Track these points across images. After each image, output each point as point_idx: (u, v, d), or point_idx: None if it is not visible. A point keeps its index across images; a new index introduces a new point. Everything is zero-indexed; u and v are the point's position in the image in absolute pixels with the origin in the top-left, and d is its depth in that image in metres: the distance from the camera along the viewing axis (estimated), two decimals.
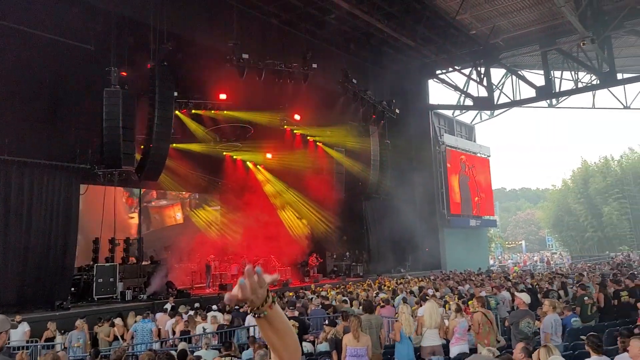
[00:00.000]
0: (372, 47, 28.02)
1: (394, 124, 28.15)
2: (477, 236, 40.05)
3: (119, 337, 12.55)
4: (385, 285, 19.51)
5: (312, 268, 26.03)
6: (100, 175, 18.12)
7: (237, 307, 14.11)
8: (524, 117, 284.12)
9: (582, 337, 7.25)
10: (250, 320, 12.66)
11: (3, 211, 15.61)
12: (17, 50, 16.07)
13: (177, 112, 20.66)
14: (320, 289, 19.06)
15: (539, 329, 9.07)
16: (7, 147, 15.24)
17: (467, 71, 31.65)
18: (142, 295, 18.40)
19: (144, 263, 21.57)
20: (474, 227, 38.32)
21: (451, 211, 34.65)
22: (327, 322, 10.89)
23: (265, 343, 8.93)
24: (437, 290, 16.25)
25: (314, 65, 21.61)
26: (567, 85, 32.35)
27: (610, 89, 31.37)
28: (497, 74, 33.96)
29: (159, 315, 14.23)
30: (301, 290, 19.00)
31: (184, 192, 27.62)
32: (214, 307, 13.87)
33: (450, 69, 32.06)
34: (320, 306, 13.64)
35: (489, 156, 42.23)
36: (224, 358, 8.20)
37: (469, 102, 34.67)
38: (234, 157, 27.69)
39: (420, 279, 21.58)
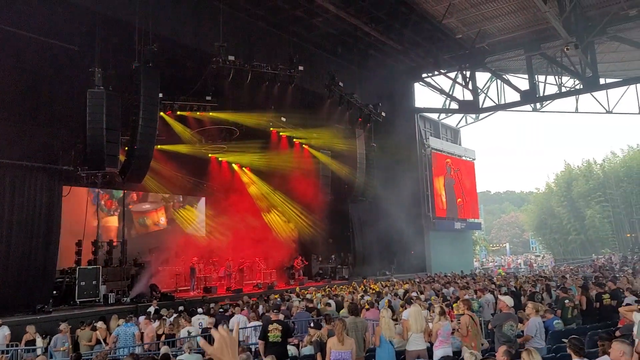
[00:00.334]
0: (359, 50, 28.05)
1: (380, 126, 28.18)
2: (462, 239, 40.23)
3: (102, 340, 12.42)
4: (370, 288, 19.51)
5: (297, 271, 26.00)
6: (84, 177, 17.93)
7: (221, 310, 14.07)
8: (509, 121, 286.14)
9: (564, 339, 7.29)
10: (233, 322, 12.60)
11: None
12: None
13: (162, 113, 20.52)
14: (306, 292, 19.04)
15: (522, 331, 9.11)
16: None
17: (452, 75, 31.86)
18: (125, 298, 18.24)
19: (127, 266, 21.40)
20: (459, 230, 38.50)
21: (436, 214, 34.78)
22: (312, 324, 10.86)
23: (249, 347, 8.85)
24: (421, 293, 16.28)
25: (301, 68, 21.56)
26: (551, 89, 32.77)
27: (593, 93, 31.72)
28: (482, 77, 34.35)
29: (141, 318, 14.11)
30: (286, 293, 18.95)
31: (167, 195, 27.39)
32: (200, 310, 13.78)
33: (436, 73, 32.21)
34: (305, 309, 13.61)
35: (474, 159, 42.48)
36: None
37: (454, 105, 34.86)
38: (220, 159, 27.60)
39: (405, 282, 21.63)
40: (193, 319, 12.75)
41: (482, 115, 38.65)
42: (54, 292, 17.34)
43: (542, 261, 54.00)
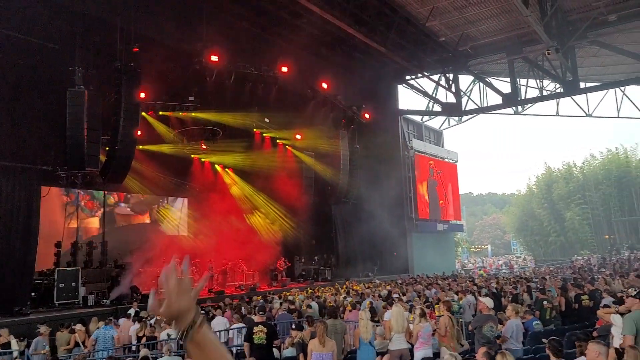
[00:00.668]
0: (343, 52, 28.10)
1: (363, 128, 28.25)
2: (444, 240, 40.45)
3: (80, 343, 12.27)
4: (353, 290, 19.52)
5: (280, 272, 25.94)
6: (63, 177, 17.73)
7: (202, 312, 13.96)
8: (491, 124, 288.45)
9: (543, 340, 7.36)
10: (215, 324, 12.54)
11: None
12: None
13: (143, 113, 20.36)
14: (288, 294, 19.00)
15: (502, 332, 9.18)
16: None
17: (436, 77, 32.02)
18: (105, 300, 18.03)
19: (108, 267, 21.17)
20: (441, 232, 38.69)
21: (419, 215, 34.93)
22: (293, 326, 10.85)
23: (230, 349, 8.79)
24: (403, 294, 16.32)
25: (284, 69, 21.56)
26: (533, 93, 33.06)
27: (573, 97, 32.10)
28: (465, 80, 34.54)
29: (122, 320, 13.97)
30: (269, 295, 18.89)
31: (150, 196, 27.14)
32: None
33: (420, 75, 32.37)
34: (287, 311, 13.58)
35: (456, 161, 42.74)
36: None
37: (437, 108, 35.03)
38: (202, 159, 27.46)
39: (387, 283, 21.67)
40: None
41: (464, 118, 38.90)
42: (32, 294, 17.08)
43: (523, 262, 54.46)
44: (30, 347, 11.67)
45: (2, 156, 16.11)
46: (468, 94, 34.36)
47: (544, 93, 32.53)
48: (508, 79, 30.35)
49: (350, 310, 12.30)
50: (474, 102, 34.04)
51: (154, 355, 9.51)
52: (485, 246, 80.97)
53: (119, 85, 17.21)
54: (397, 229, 31.88)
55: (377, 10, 23.81)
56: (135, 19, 17.53)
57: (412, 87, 34.04)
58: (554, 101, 34.65)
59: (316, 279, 26.86)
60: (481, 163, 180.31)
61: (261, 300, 16.70)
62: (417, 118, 39.04)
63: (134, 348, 11.90)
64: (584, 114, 34.32)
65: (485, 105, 33.92)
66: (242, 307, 14.69)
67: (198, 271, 24.36)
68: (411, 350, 9.20)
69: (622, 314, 7.36)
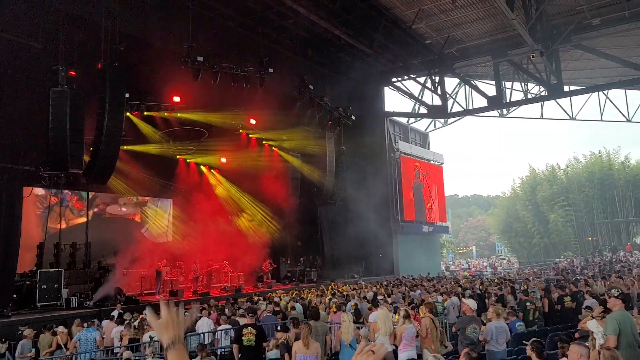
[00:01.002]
0: (330, 53, 28.13)
1: (350, 130, 28.29)
2: (430, 242, 40.59)
3: (62, 345, 12.13)
4: (338, 291, 19.52)
5: (265, 274, 25.87)
6: (46, 178, 17.55)
7: (186, 314, 13.86)
8: (477, 126, 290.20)
9: (525, 342, 7.40)
10: (200, 326, 12.49)
11: None
12: None
13: (128, 113, 20.23)
14: (274, 295, 18.96)
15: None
16: None
17: (422, 80, 32.15)
18: (88, 302, 17.85)
19: (91, 268, 20.95)
20: (426, 233, 38.82)
21: (405, 217, 35.00)
22: (279, 328, 10.82)
23: (214, 351, 8.76)
24: (389, 295, 16.35)
25: (271, 70, 21.52)
26: (517, 95, 33.38)
27: (557, 100, 32.41)
28: (451, 83, 34.65)
29: (105, 322, 13.85)
30: (254, 296, 18.82)
31: (138, 198, 26.96)
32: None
33: (406, 77, 32.48)
34: (272, 312, 13.55)
35: (442, 163, 42.92)
36: None
37: (423, 110, 35.16)
38: (188, 160, 27.33)
39: (373, 285, 21.70)
40: None
41: (450, 120, 39.12)
42: (14, 295, 16.88)
43: (507, 264, 54.84)
44: (16, 351, 11.53)
45: None
46: (454, 97, 34.58)
47: (529, 96, 32.85)
48: (493, 82, 30.53)
49: (334, 312, 12.29)
50: (460, 105, 34.30)
51: (137, 358, 9.43)
52: (470, 248, 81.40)
53: (103, 85, 17.07)
54: (382, 230, 31.98)
55: (364, 12, 23.86)
56: (120, 19, 17.41)
57: (398, 89, 34.15)
58: (538, 104, 35.02)
59: (302, 280, 26.83)
60: (466, 165, 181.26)
61: (247, 303, 16.67)
62: (403, 120, 39.17)
63: (117, 350, 11.79)
64: (568, 117, 34.73)
65: (470, 107, 34.17)
66: (227, 309, 14.63)
67: (183, 272, 24.27)
68: (395, 352, 9.21)
69: (596, 318, 7.43)
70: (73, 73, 16.84)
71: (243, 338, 8.73)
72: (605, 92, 33.54)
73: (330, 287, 21.65)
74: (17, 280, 17.43)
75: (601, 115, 34.53)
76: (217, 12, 22.32)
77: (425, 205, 38.47)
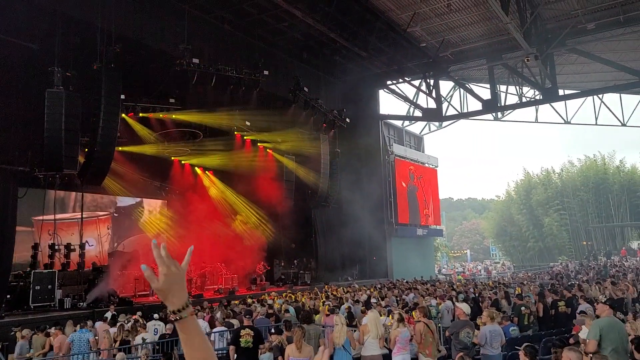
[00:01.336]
0: (325, 56, 28.16)
1: (344, 132, 28.32)
2: (424, 245, 40.63)
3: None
4: (332, 294, 19.52)
5: (259, 276, 25.84)
6: (41, 179, 17.52)
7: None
8: (471, 129, 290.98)
9: (517, 347, 7.42)
10: None
11: None
12: None
13: (123, 115, 20.20)
14: (267, 297, 18.95)
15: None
16: None
17: (416, 83, 32.21)
18: (81, 303, 17.81)
19: (85, 270, 20.90)
20: (421, 236, 38.87)
21: (399, 220, 35.04)
22: (273, 330, 10.82)
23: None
24: (382, 299, 16.35)
25: (266, 72, 21.54)
26: (512, 99, 33.45)
27: (552, 104, 32.52)
28: (445, 86, 34.75)
29: (98, 324, 13.81)
30: (248, 299, 18.80)
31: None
32: (155, 315, 13.55)
33: (401, 80, 32.53)
34: (265, 315, 13.54)
35: (436, 167, 43.01)
36: None
37: (418, 113, 35.23)
38: (182, 161, 27.29)
39: (367, 288, 21.70)
40: (148, 324, 12.52)
41: (445, 123, 39.18)
42: (8, 296, 16.83)
43: (502, 268, 54.93)
44: (15, 352, 11.50)
45: None
46: (448, 100, 34.66)
47: (524, 100, 32.93)
48: (488, 85, 30.62)
49: (327, 315, 12.29)
50: (454, 108, 34.39)
51: (129, 359, 9.40)
52: (465, 251, 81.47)
53: (99, 87, 17.05)
54: (377, 233, 32.00)
55: (359, 15, 23.90)
56: (116, 20, 17.39)
57: (393, 92, 34.20)
58: (533, 108, 35.14)
59: (295, 283, 26.82)
60: (461, 168, 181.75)
61: (240, 305, 16.65)
62: (398, 123, 39.22)
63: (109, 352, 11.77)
64: (563, 121, 34.84)
65: (465, 111, 34.24)
66: (219, 312, 14.62)
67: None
68: (387, 356, 9.22)
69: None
70: (69, 74, 16.81)
71: (241, 339, 8.73)
72: (600, 96, 33.64)
73: (323, 290, 21.65)
74: (10, 280, 17.37)
75: (596, 119, 34.65)
76: (212, 15, 22.34)
77: (419, 208, 38.52)
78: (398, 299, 16.59)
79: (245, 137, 27.00)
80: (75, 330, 12.23)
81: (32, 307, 16.87)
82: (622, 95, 33.81)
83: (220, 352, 11.57)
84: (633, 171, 57.04)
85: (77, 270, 20.48)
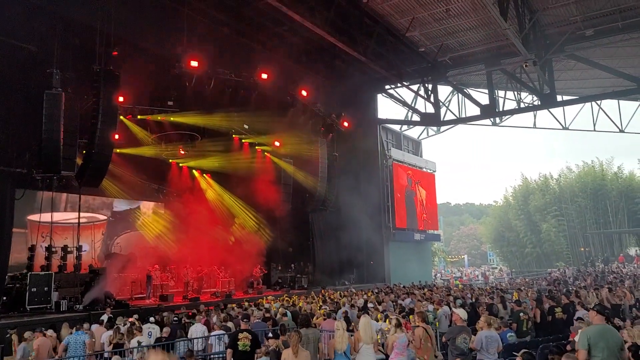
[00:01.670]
0: (323, 60, 28.18)
1: (342, 136, 28.35)
2: (421, 250, 40.60)
3: (51, 349, 12.04)
4: (329, 298, 19.49)
5: (256, 279, 25.80)
6: (39, 180, 17.48)
7: (175, 319, 13.83)
8: (469, 134, 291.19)
9: (515, 353, 7.40)
10: (194, 331, 12.42)
11: None
12: None
13: (122, 117, 20.20)
14: (264, 301, 18.91)
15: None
16: None
17: (415, 87, 32.22)
18: (78, 306, 17.74)
19: (82, 272, 20.84)
20: (418, 241, 38.86)
21: (396, 225, 35.03)
22: (270, 335, 10.78)
23: (204, 356, 8.75)
24: (379, 303, 16.32)
25: (264, 76, 21.56)
26: (510, 104, 33.50)
27: (550, 109, 32.58)
28: (444, 91, 34.76)
29: (94, 327, 13.76)
30: (244, 302, 18.76)
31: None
32: (151, 319, 13.50)
33: (399, 85, 32.55)
34: (262, 319, 13.50)
35: (434, 171, 43.03)
36: None
37: (416, 117, 35.24)
38: (180, 164, 27.27)
39: (364, 292, 21.67)
40: (143, 327, 12.49)
41: (443, 128, 39.26)
42: (4, 298, 16.77)
43: (499, 273, 54.89)
44: (17, 354, 11.44)
45: None
46: (447, 105, 34.68)
47: (522, 105, 32.98)
48: (486, 91, 30.66)
49: (324, 319, 12.26)
50: (453, 113, 34.38)
51: None
52: (462, 256, 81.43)
53: (97, 89, 17.07)
54: (374, 237, 31.98)
55: (358, 19, 23.93)
56: (115, 23, 17.40)
57: (391, 96, 34.20)
58: (531, 113, 35.21)
59: (292, 286, 26.79)
60: (459, 173, 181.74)
61: (237, 308, 16.62)
62: (396, 127, 39.28)
63: (105, 355, 11.72)
64: (561, 127, 34.90)
65: (463, 116, 34.27)
66: (215, 316, 14.58)
67: (173, 277, 24.19)
68: None
69: None
70: (67, 76, 16.82)
71: (239, 343, 8.68)
72: (598, 102, 33.70)
73: (320, 294, 21.61)
74: (7, 282, 17.31)
75: (594, 125, 34.70)
76: (212, 18, 22.34)
77: (417, 213, 38.53)
78: (395, 303, 16.55)
79: (243, 140, 27.02)
80: (71, 333, 12.18)
81: (28, 309, 16.81)
82: (620, 101, 33.87)
83: (218, 355, 11.56)
84: (631, 177, 57.05)
85: (73, 273, 20.42)
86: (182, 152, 25.69)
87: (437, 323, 13.28)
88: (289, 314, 14.21)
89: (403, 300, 17.51)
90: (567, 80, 32.98)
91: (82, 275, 20.18)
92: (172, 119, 23.02)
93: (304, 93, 24.16)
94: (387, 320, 11.83)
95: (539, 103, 30.48)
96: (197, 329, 12.48)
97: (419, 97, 33.05)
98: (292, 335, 8.18)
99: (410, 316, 11.91)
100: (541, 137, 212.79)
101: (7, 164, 16.53)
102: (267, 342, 9.86)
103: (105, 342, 12.20)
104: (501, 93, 33.17)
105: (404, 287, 24.81)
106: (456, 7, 23.47)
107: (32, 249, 19.41)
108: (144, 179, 24.74)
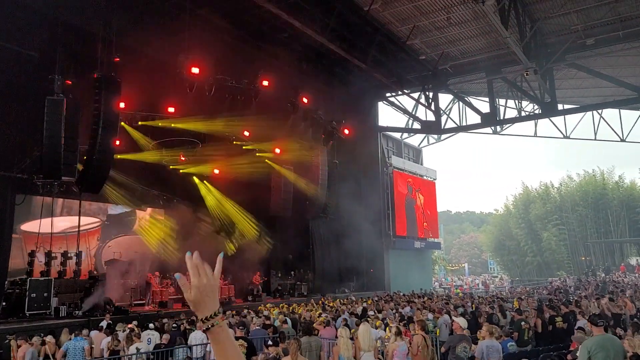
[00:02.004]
0: (324, 67, 28.23)
1: (343, 144, 28.34)
2: (422, 258, 40.53)
3: (50, 355, 12.01)
4: (329, 306, 19.43)
5: (255, 286, 25.73)
6: (40, 186, 17.49)
7: (174, 326, 13.79)
8: (470, 142, 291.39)
9: None
10: (192, 339, 12.38)
11: None
12: None
13: (123, 123, 20.20)
14: (264, 308, 18.85)
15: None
16: None
17: (416, 95, 32.28)
18: (77, 312, 17.71)
19: (82, 278, 20.81)
20: (418, 249, 38.78)
21: (397, 233, 34.98)
22: (270, 342, 10.74)
23: None
24: (379, 311, 16.27)
25: (265, 83, 21.58)
26: (511, 113, 33.58)
27: (551, 118, 32.59)
28: (444, 99, 34.81)
29: (94, 333, 13.72)
30: (244, 309, 18.71)
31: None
32: (150, 325, 13.47)
33: (400, 93, 32.60)
34: (262, 326, 13.45)
35: (435, 179, 43.00)
36: None
37: (417, 125, 35.28)
38: (180, 170, 27.22)
39: (364, 300, 21.61)
40: (143, 334, 12.45)
41: (444, 136, 39.25)
42: (3, 303, 16.74)
43: (500, 282, 54.74)
44: (25, 358, 11.41)
45: None
46: (447, 113, 34.71)
47: (523, 114, 33.04)
48: (487, 99, 30.71)
49: (324, 327, 12.21)
50: (453, 121, 34.41)
51: None
52: (463, 265, 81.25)
53: (98, 95, 17.07)
54: (374, 245, 31.93)
55: (358, 27, 24.00)
56: (116, 29, 17.44)
57: (392, 104, 34.27)
58: (532, 122, 35.24)
59: (292, 294, 26.71)
60: (460, 181, 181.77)
61: (236, 316, 16.56)
62: (397, 135, 39.30)
63: None
64: (562, 136, 34.90)
65: (464, 124, 34.29)
66: None
67: (173, 283, 24.09)
68: None
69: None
70: (69, 82, 16.85)
71: None
72: (600, 111, 33.74)
73: (320, 302, 21.55)
74: (6, 288, 17.28)
75: (595, 134, 34.73)
76: (213, 25, 22.37)
77: (417, 221, 38.47)
78: (395, 312, 16.49)
79: (243, 147, 26.98)
80: (70, 339, 12.15)
81: (27, 314, 16.77)
82: (621, 110, 33.89)
83: None
84: (632, 187, 57.00)
85: (73, 279, 20.40)
86: (183, 158, 25.63)
87: (437, 331, 13.23)
88: (289, 321, 14.17)
89: (403, 309, 17.46)
90: (568, 89, 33.02)
91: (81, 281, 20.15)
92: (172, 125, 23.00)
93: (304, 100, 24.16)
94: (387, 328, 11.80)
95: (540, 112, 30.51)
96: (196, 336, 12.43)
97: (419, 105, 33.11)
98: (291, 342, 8.15)
99: (411, 324, 11.86)
100: (542, 145, 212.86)
101: (8, 169, 16.56)
102: (267, 349, 9.83)
103: (105, 349, 12.17)
104: (502, 101, 33.26)
105: (404, 295, 24.76)
106: (457, 15, 23.54)
107: (32, 254, 19.38)
108: (144, 185, 24.69)
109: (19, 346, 11.77)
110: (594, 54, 27.12)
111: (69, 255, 20.98)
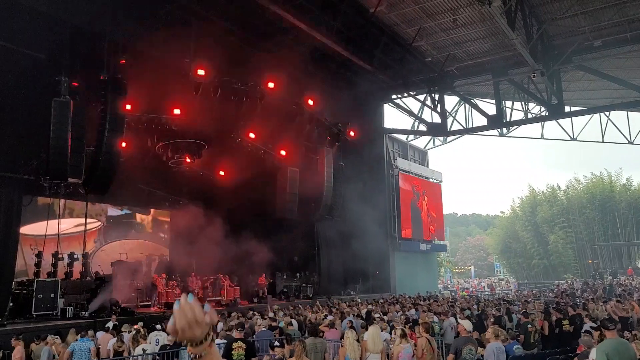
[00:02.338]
0: (330, 69, 28.21)
1: (348, 146, 28.31)
2: (428, 260, 40.42)
3: (56, 354, 12.04)
4: (334, 308, 19.40)
5: (261, 288, 25.73)
6: (46, 187, 17.56)
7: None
8: (476, 145, 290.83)
9: None
10: None
11: None
12: None
13: (128, 125, 20.24)
14: (268, 309, 18.84)
15: (482, 355, 9.12)
16: None
17: (421, 97, 32.21)
18: (83, 313, 17.78)
19: (88, 279, 20.89)
20: (424, 252, 38.65)
21: (402, 235, 34.90)
22: (276, 344, 10.73)
23: None
24: (385, 314, 16.24)
25: (271, 85, 21.61)
26: (518, 115, 33.42)
27: (558, 120, 32.45)
28: (450, 101, 34.75)
29: (100, 334, 13.76)
30: (250, 311, 18.71)
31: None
32: (158, 326, 13.48)
33: (406, 94, 32.56)
34: (268, 328, 13.45)
35: (441, 181, 42.88)
36: None
37: (422, 127, 35.20)
38: (186, 172, 27.27)
39: (369, 302, 21.57)
40: (150, 335, 12.47)
41: (450, 138, 39.12)
42: (11, 304, 16.83)
43: (506, 285, 54.54)
44: (41, 357, 11.48)
45: None
46: (453, 115, 34.61)
47: (529, 116, 32.89)
48: (493, 101, 30.58)
49: (329, 329, 12.20)
50: (459, 123, 34.32)
51: None
52: (469, 267, 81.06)
53: (105, 97, 17.18)
54: (379, 247, 31.84)
55: (364, 29, 24.00)
56: (123, 31, 17.52)
57: (397, 106, 34.22)
58: (538, 124, 35.09)
59: (297, 296, 26.71)
60: (466, 184, 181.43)
61: (240, 318, 16.55)
62: (402, 137, 39.22)
63: None
64: (569, 138, 34.75)
65: (470, 126, 34.20)
66: (221, 323, 14.53)
67: (179, 285, 24.12)
68: None
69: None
70: (76, 84, 16.92)
71: (232, 352, 8.64)
72: (607, 113, 33.58)
73: (326, 304, 21.52)
74: (14, 288, 17.37)
75: (602, 136, 34.59)
76: (219, 27, 22.39)
77: (423, 223, 38.37)
78: (401, 314, 16.45)
79: (249, 148, 27.01)
80: (76, 340, 12.18)
81: (34, 315, 16.85)
82: (629, 112, 33.73)
83: None
84: None
85: (79, 280, 20.50)
86: (189, 160, 25.70)
87: (443, 333, 13.19)
88: (294, 323, 14.17)
89: (408, 311, 17.42)
90: (576, 91, 32.89)
91: (88, 282, 20.26)
92: (178, 127, 23.05)
93: (310, 102, 24.17)
94: (393, 330, 11.77)
95: (547, 114, 30.36)
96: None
97: (425, 107, 33.03)
98: (297, 344, 8.15)
99: (416, 327, 11.83)
100: (549, 148, 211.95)
101: (15, 170, 16.63)
102: (273, 351, 9.82)
103: (111, 350, 12.21)
104: (508, 103, 33.08)
105: (409, 297, 24.70)
106: (463, 17, 23.49)
107: (39, 255, 19.47)
108: (149, 186, 24.77)
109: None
110: (601, 55, 27.00)
111: (76, 256, 21.11)
